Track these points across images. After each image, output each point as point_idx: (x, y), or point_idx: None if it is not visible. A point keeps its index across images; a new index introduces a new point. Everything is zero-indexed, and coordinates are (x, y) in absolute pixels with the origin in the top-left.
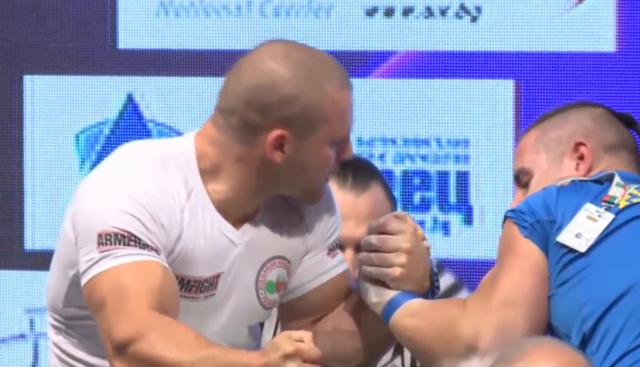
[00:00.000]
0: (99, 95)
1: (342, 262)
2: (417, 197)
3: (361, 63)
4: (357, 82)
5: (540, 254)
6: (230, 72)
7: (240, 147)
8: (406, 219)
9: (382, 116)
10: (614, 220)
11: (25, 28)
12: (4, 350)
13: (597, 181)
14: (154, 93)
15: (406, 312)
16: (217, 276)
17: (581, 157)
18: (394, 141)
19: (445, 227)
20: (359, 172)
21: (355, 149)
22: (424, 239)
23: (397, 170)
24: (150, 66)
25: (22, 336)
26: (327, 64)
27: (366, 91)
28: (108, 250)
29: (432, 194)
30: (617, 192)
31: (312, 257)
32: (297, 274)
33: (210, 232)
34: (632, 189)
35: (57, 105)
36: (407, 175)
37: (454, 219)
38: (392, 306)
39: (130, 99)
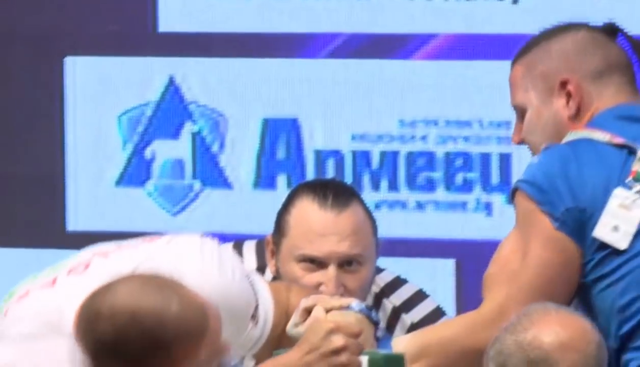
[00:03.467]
0: (140, 77)
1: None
2: (459, 178)
3: (403, 45)
4: (398, 64)
5: (573, 246)
6: None
7: None
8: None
9: (424, 98)
10: None
11: (67, 10)
12: None
13: (615, 145)
14: (196, 75)
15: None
16: None
17: (569, 94)
18: (436, 123)
19: (488, 208)
20: (339, 192)
21: (397, 131)
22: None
23: (440, 151)
24: (192, 48)
25: None
26: None
27: (408, 73)
28: None
29: (474, 175)
30: None
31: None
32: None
33: None
34: None
35: (99, 87)
36: (449, 157)
37: (497, 199)
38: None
39: (171, 81)
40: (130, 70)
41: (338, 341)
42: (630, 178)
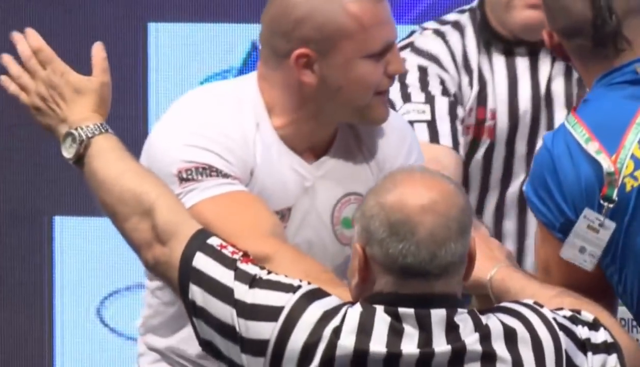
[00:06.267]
0: (223, 43)
1: None
2: None
3: None
4: None
5: None
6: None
7: (278, 75)
8: None
9: None
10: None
11: None
12: (129, 298)
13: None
14: None
15: None
16: (288, 209)
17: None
18: None
19: None
20: None
21: None
22: None
23: None
24: None
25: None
26: None
27: None
28: (192, 184)
29: None
30: (611, 179)
31: None
32: None
33: (279, 165)
34: (628, 161)
35: (182, 53)
36: None
37: None
38: None
39: (254, 47)
40: (212, 36)
41: None
42: (600, 197)
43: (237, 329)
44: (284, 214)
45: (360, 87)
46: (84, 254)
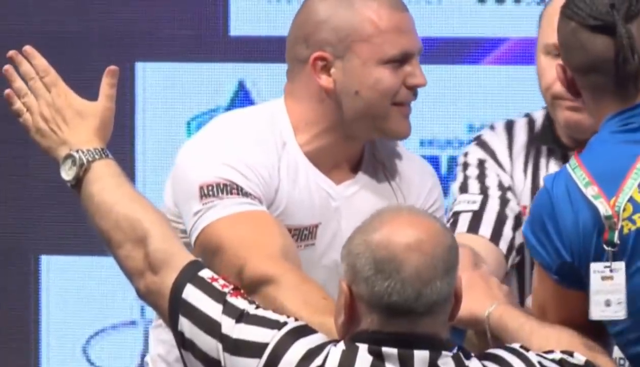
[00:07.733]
0: (210, 82)
1: None
2: None
3: (472, 50)
4: (468, 69)
5: (578, 294)
6: None
7: (299, 84)
8: None
9: (493, 103)
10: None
11: (138, 15)
12: (115, 336)
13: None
14: (266, 80)
15: None
16: (316, 226)
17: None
18: None
19: None
20: None
21: (466, 137)
22: None
23: None
24: (262, 53)
25: (133, 323)
26: None
27: (477, 78)
28: (212, 201)
29: None
30: (610, 223)
31: None
32: None
33: (306, 183)
34: (626, 205)
35: (169, 92)
36: None
37: None
38: None
39: (241, 85)
40: (200, 75)
41: None
42: (603, 242)
43: (223, 363)
44: (311, 231)
45: (376, 93)
46: (70, 292)
